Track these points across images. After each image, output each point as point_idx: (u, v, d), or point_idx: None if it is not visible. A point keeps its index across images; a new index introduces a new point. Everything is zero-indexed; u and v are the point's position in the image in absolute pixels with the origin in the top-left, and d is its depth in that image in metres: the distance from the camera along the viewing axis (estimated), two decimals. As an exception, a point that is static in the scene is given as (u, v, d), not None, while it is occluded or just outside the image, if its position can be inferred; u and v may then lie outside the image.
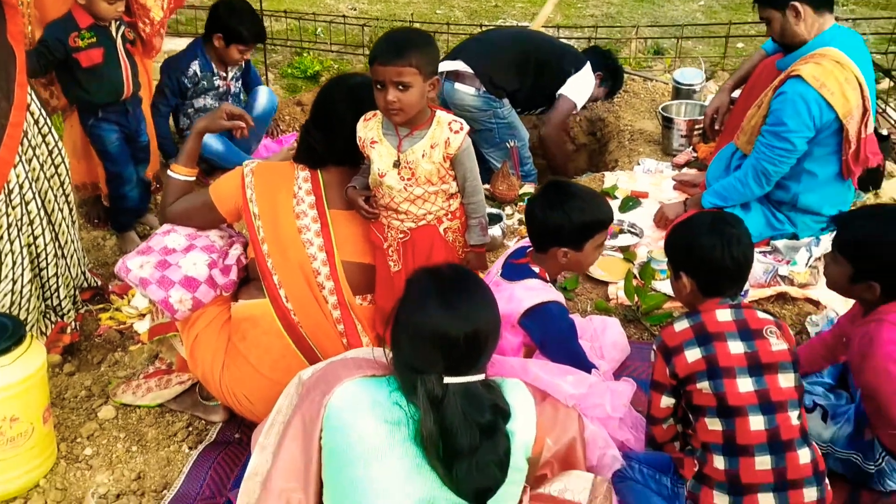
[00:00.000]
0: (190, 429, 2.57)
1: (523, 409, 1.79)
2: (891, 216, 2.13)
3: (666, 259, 2.32)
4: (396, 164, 2.22)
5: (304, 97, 4.94)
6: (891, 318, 2.03)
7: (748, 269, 2.12)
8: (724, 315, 2.04)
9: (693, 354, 2.00)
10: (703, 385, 1.98)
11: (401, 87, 2.10)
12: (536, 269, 2.37)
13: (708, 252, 2.05)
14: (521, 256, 2.43)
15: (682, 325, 2.06)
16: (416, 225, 2.28)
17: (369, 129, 2.27)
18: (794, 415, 1.97)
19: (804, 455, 1.96)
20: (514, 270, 2.40)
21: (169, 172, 2.56)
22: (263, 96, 4.15)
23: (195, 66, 3.87)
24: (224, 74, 3.97)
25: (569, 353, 2.31)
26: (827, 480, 2.01)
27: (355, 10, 7.74)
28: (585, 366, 2.30)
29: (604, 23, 8.19)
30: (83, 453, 2.49)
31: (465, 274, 1.87)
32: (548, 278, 2.39)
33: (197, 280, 2.42)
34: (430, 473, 1.69)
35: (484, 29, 5.38)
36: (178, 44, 5.00)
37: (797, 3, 2.95)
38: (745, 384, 1.96)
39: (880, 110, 4.46)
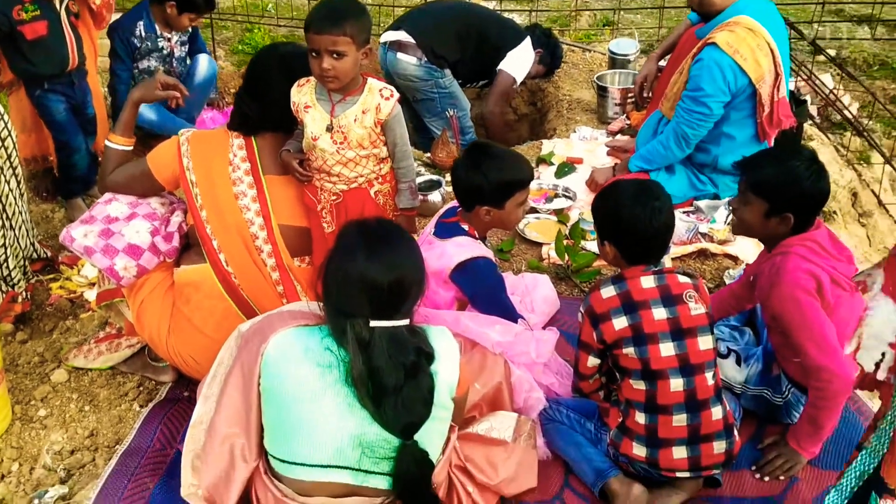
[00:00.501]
0: (140, 389, 2.68)
1: (447, 352, 1.93)
2: (792, 154, 2.28)
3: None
4: (329, 129, 2.32)
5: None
6: (795, 250, 2.19)
7: (669, 238, 2.23)
8: (648, 282, 2.15)
9: (620, 322, 2.12)
10: (629, 350, 2.11)
11: (335, 55, 2.21)
12: (466, 227, 2.51)
13: (632, 224, 2.14)
14: (451, 216, 2.56)
15: (608, 292, 2.16)
16: (348, 187, 2.40)
17: (303, 94, 2.37)
18: (709, 375, 2.12)
19: (717, 412, 2.12)
20: (446, 229, 2.53)
21: (106, 142, 2.60)
22: (203, 64, 4.17)
23: (140, 27, 3.87)
24: (168, 36, 3.97)
25: (497, 304, 2.46)
26: (735, 435, 2.17)
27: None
28: (513, 316, 2.46)
29: (554, -5, 8.29)
30: (37, 414, 2.59)
31: (390, 227, 2.00)
32: (477, 236, 2.53)
33: (140, 248, 2.50)
34: (362, 411, 1.83)
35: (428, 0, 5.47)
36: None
37: (712, -26, 3.11)
38: (667, 349, 2.09)
39: (806, 76, 4.67)
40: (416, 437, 1.87)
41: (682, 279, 2.19)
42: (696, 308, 2.14)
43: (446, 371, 1.92)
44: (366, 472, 1.86)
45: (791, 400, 2.39)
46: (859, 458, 1.73)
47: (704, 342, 2.12)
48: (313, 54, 2.25)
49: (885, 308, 1.61)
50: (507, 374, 2.29)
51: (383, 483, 1.87)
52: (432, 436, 1.93)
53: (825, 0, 6.19)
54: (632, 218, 2.14)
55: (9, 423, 2.54)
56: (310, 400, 1.86)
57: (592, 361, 2.22)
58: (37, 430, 2.54)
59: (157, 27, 3.93)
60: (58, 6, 3.27)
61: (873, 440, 1.67)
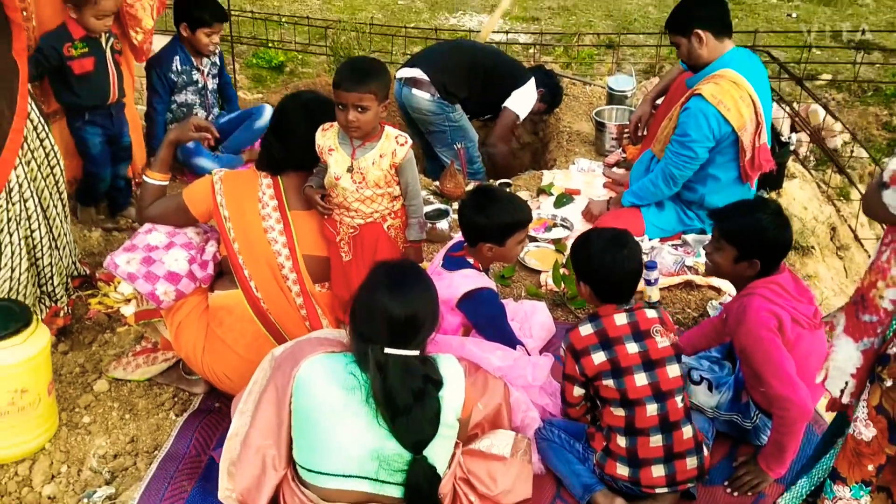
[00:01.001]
0: (175, 399, 2.96)
1: (454, 378, 2.22)
2: (759, 207, 2.58)
3: None
4: (350, 170, 2.62)
5: (272, 98, 5.29)
6: (760, 292, 2.47)
7: (636, 283, 2.52)
8: (620, 319, 2.43)
9: (598, 357, 2.40)
10: (608, 382, 2.39)
11: (360, 109, 2.51)
12: (471, 261, 2.81)
13: (603, 269, 2.44)
14: (458, 250, 2.86)
15: (587, 330, 2.45)
16: (365, 221, 2.70)
17: (327, 138, 2.67)
18: (678, 399, 2.41)
19: (687, 431, 2.41)
20: (453, 262, 2.83)
21: (144, 178, 2.90)
22: (267, 114, 4.37)
23: (177, 62, 4.13)
24: (201, 68, 4.21)
25: (499, 330, 2.75)
26: (705, 451, 2.46)
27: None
28: (513, 342, 2.75)
29: (560, 15, 8.57)
30: (82, 421, 2.87)
31: (414, 269, 2.30)
32: (481, 268, 2.82)
33: (179, 274, 2.78)
34: (380, 428, 2.12)
35: (439, 40, 5.78)
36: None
37: (700, 31, 3.39)
38: (640, 379, 2.38)
39: (792, 113, 4.96)
40: (426, 452, 2.15)
41: (650, 314, 2.47)
42: (662, 341, 2.42)
43: (452, 396, 2.20)
44: (382, 482, 2.14)
45: (759, 424, 2.67)
46: (829, 454, 2.04)
47: (672, 370, 2.41)
48: (340, 107, 2.55)
49: (847, 346, 1.90)
50: (506, 395, 2.57)
51: (397, 492, 2.15)
52: (440, 452, 2.21)
53: (820, 30, 6.50)
54: (603, 264, 2.44)
55: (56, 428, 2.83)
56: (335, 417, 2.14)
57: (578, 391, 2.51)
58: (82, 435, 2.81)
59: (191, 59, 4.18)
60: (104, 44, 3.53)
61: (839, 442, 1.96)
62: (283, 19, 6.98)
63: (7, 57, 2.99)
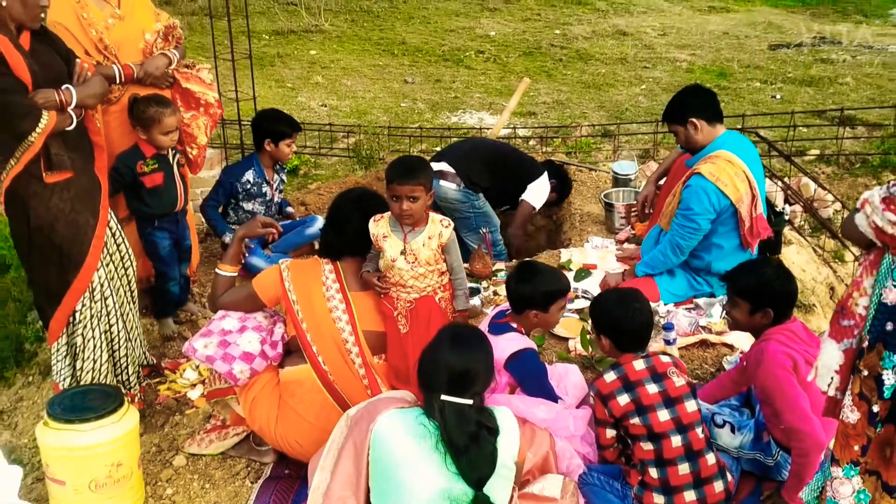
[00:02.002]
0: (248, 468, 3.26)
1: (509, 426, 2.56)
2: (762, 264, 3.02)
3: None
4: (403, 252, 3.03)
5: (307, 198, 5.74)
6: (776, 337, 2.85)
7: (649, 332, 2.92)
8: (639, 365, 2.82)
9: (623, 399, 2.76)
10: (635, 420, 2.74)
11: (412, 199, 2.94)
12: (514, 326, 3.17)
13: (619, 322, 2.86)
14: (502, 317, 3.23)
15: (611, 377, 2.82)
16: (420, 295, 3.08)
17: (380, 227, 3.09)
18: (699, 430, 2.74)
19: (710, 458, 2.73)
20: (498, 327, 3.19)
21: (217, 271, 3.30)
22: (318, 224, 4.75)
23: (249, 175, 4.55)
24: (271, 182, 4.65)
25: (541, 387, 3.09)
26: (728, 475, 2.77)
27: (325, 106, 8.52)
28: (553, 398, 3.08)
29: (555, 109, 9.09)
30: (165, 493, 3.17)
31: (474, 331, 2.67)
32: (524, 332, 3.18)
33: (253, 354, 3.13)
34: (448, 471, 2.43)
35: (451, 137, 6.30)
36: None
37: (694, 120, 3.85)
38: (663, 415, 2.73)
39: (784, 187, 5.40)
40: (487, 491, 2.45)
41: (664, 359, 2.86)
42: (679, 381, 2.78)
43: (508, 440, 2.53)
44: None
45: (780, 461, 2.98)
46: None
47: (690, 406, 2.75)
48: (394, 199, 2.97)
49: (831, 347, 2.25)
50: (552, 444, 2.89)
51: None
52: (499, 491, 2.51)
53: (805, 110, 7.00)
54: (619, 317, 2.85)
55: (144, 501, 3.12)
56: (409, 464, 2.46)
57: (610, 433, 2.84)
58: (168, 505, 3.12)
59: (265, 173, 4.60)
60: (171, 159, 3.96)
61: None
62: (303, 125, 7.52)
63: (91, 174, 3.44)
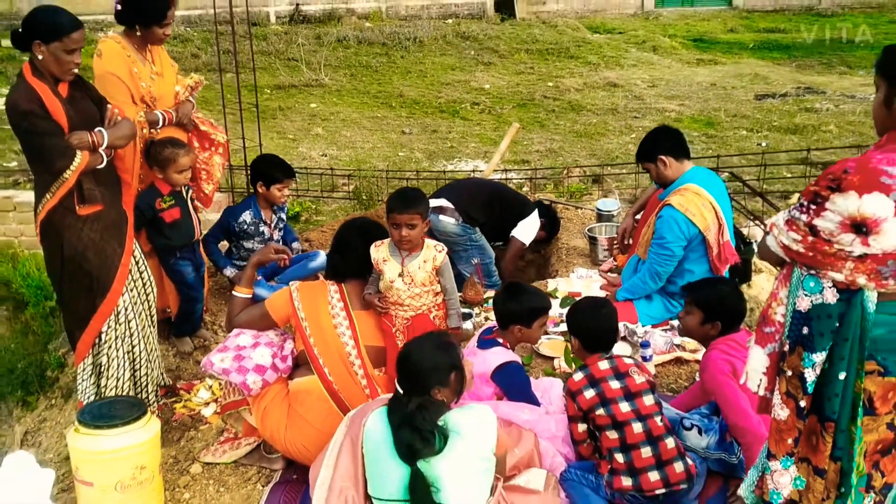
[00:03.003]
0: (259, 474, 3.54)
1: (483, 422, 2.80)
2: (721, 282, 3.41)
3: None
4: (401, 274, 3.36)
5: (311, 235, 6.10)
6: (718, 346, 3.20)
7: (614, 336, 3.28)
8: (603, 365, 3.16)
9: (589, 393, 3.10)
10: (600, 412, 3.07)
11: (410, 226, 3.29)
12: (501, 341, 3.50)
13: (586, 324, 3.23)
14: (489, 333, 3.56)
15: (579, 376, 3.17)
16: (416, 314, 3.41)
17: (380, 252, 3.43)
18: (657, 419, 3.05)
19: (670, 443, 3.04)
20: (486, 343, 3.52)
21: (234, 293, 3.65)
22: (321, 259, 5.04)
23: (246, 215, 4.85)
24: (269, 222, 4.95)
25: (525, 395, 3.40)
26: (689, 460, 3.06)
27: (326, 156, 8.90)
28: (536, 403, 3.39)
29: (548, 157, 9.48)
30: (183, 497, 3.46)
31: (443, 338, 2.97)
32: (509, 347, 3.50)
33: (265, 367, 3.44)
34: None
35: (449, 181, 6.69)
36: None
37: (663, 157, 4.24)
38: (624, 407, 3.06)
39: (758, 222, 5.75)
40: (461, 480, 2.71)
41: (627, 360, 3.19)
42: (639, 378, 3.11)
43: (482, 435, 2.77)
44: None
45: (743, 459, 3.27)
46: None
47: (648, 400, 3.08)
48: (394, 227, 3.32)
49: (757, 352, 2.54)
50: (536, 443, 3.19)
51: None
52: (482, 485, 2.77)
53: (766, 150, 7.38)
54: (587, 319, 3.24)
55: (163, 503, 3.41)
56: (383, 457, 2.75)
57: (581, 427, 3.16)
58: (186, 507, 3.40)
59: (262, 213, 4.91)
60: (185, 195, 4.34)
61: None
62: (302, 171, 7.90)
63: (119, 207, 3.80)
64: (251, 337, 3.54)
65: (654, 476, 2.99)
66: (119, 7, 4.04)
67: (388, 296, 3.41)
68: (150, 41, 4.15)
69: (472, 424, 2.80)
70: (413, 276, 3.37)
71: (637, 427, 3.02)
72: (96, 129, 3.57)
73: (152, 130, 4.17)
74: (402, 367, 2.83)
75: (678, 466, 3.01)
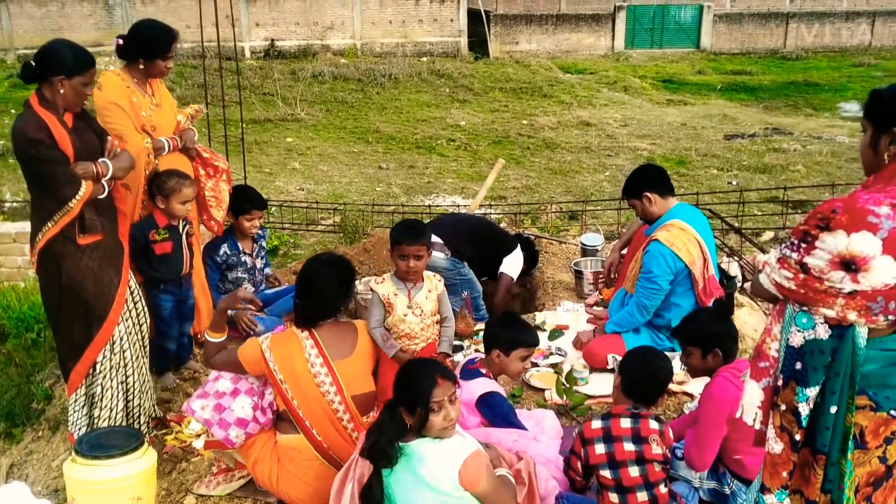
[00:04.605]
0: (255, 506, 3.55)
1: (449, 450, 2.72)
2: (700, 312, 3.49)
3: (587, 370, 3.67)
4: (410, 307, 3.43)
5: (298, 267, 6.12)
6: (722, 374, 3.25)
7: (656, 394, 3.21)
8: (625, 423, 3.06)
9: (600, 449, 3.07)
10: (605, 473, 3.06)
11: (417, 258, 3.36)
12: (484, 371, 3.55)
13: (633, 370, 3.18)
14: (472, 363, 3.61)
15: (596, 424, 3.12)
16: (425, 343, 3.47)
17: (385, 287, 3.48)
18: (661, 486, 3.06)
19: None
20: (469, 373, 3.56)
21: (206, 336, 3.39)
22: None
23: (224, 248, 4.88)
24: (249, 252, 4.99)
25: (508, 423, 3.45)
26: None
27: (303, 190, 8.98)
28: (521, 429, 3.44)
29: (524, 193, 9.64)
30: (178, 529, 3.45)
31: (417, 364, 2.91)
32: (492, 377, 3.56)
33: (246, 420, 3.27)
34: None
35: (432, 215, 6.80)
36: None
37: (649, 194, 4.37)
38: (633, 472, 3.04)
39: (737, 258, 5.91)
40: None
41: (653, 425, 3.08)
42: (657, 448, 3.07)
43: (439, 466, 2.69)
44: None
45: (735, 490, 3.33)
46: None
47: (657, 467, 3.05)
48: (401, 258, 3.38)
49: (752, 387, 2.59)
50: (533, 466, 3.18)
51: None
52: None
53: (741, 189, 7.59)
54: (636, 364, 3.20)
55: (158, 536, 3.39)
56: None
57: (579, 466, 3.15)
58: (182, 538, 3.38)
59: (239, 245, 4.93)
60: (181, 230, 4.34)
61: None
62: (286, 204, 7.96)
63: (116, 237, 3.82)
64: (230, 381, 3.35)
65: None
66: (121, 42, 4.10)
67: (396, 330, 3.45)
68: (153, 74, 4.22)
69: (436, 454, 2.73)
70: (422, 307, 3.45)
71: (642, 495, 3.04)
72: (100, 160, 3.61)
73: (156, 160, 4.21)
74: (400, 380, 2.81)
75: None
